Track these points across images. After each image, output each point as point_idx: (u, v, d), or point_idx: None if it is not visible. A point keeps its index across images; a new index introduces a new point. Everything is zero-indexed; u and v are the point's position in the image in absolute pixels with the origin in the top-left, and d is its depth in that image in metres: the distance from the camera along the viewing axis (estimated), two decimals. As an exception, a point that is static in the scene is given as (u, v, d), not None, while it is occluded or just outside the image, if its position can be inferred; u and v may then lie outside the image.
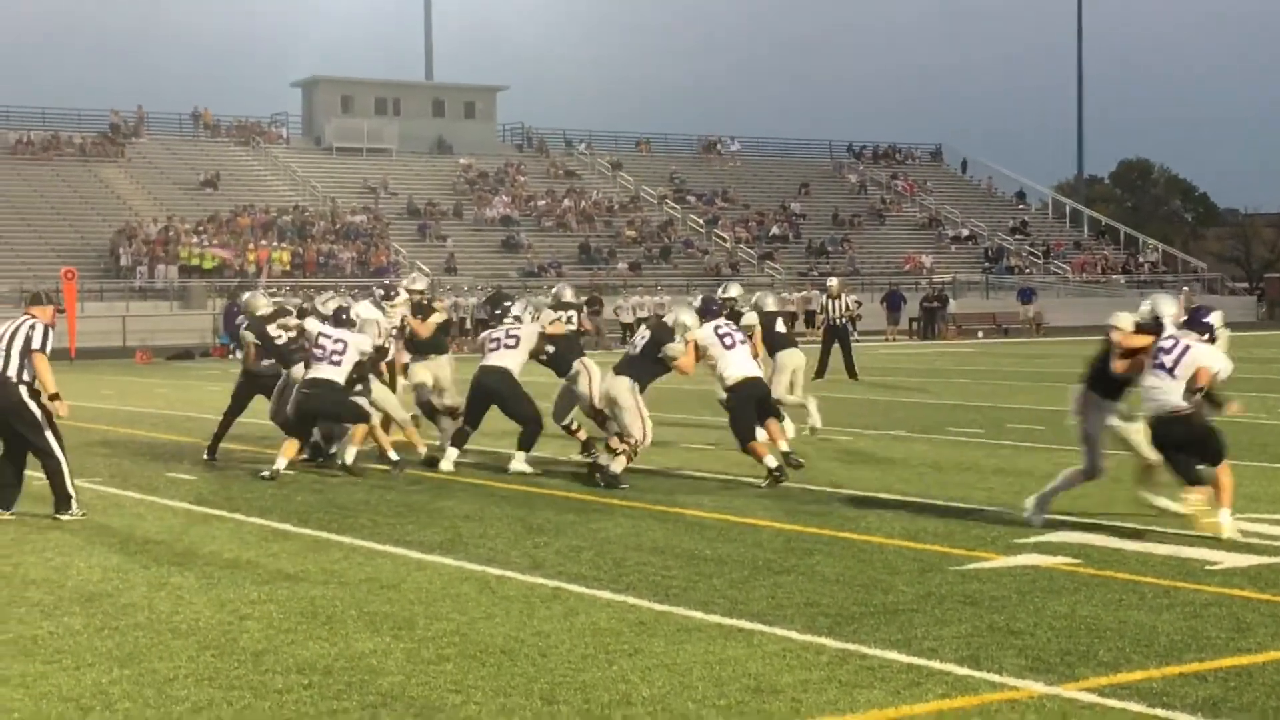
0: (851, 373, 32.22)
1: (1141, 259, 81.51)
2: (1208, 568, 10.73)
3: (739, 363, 15.79)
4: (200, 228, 62.10)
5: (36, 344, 13.28)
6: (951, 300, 63.30)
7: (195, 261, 59.36)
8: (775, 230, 75.84)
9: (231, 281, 57.73)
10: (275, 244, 62.32)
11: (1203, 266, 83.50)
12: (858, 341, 34.24)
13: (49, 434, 13.34)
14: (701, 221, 74.89)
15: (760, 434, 15.65)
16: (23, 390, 13.24)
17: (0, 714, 7.42)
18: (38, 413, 13.29)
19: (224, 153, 73.51)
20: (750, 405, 15.61)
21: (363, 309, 17.83)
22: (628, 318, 59.39)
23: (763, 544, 12.00)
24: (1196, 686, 7.60)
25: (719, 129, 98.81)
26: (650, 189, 77.95)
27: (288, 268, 61.03)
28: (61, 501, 13.45)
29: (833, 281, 34.81)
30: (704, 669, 8.14)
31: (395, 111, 79.11)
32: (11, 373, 13.23)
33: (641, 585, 10.45)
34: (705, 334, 15.87)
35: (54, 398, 13.31)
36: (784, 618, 9.32)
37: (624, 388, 15.69)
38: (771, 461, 15.32)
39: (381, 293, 21.44)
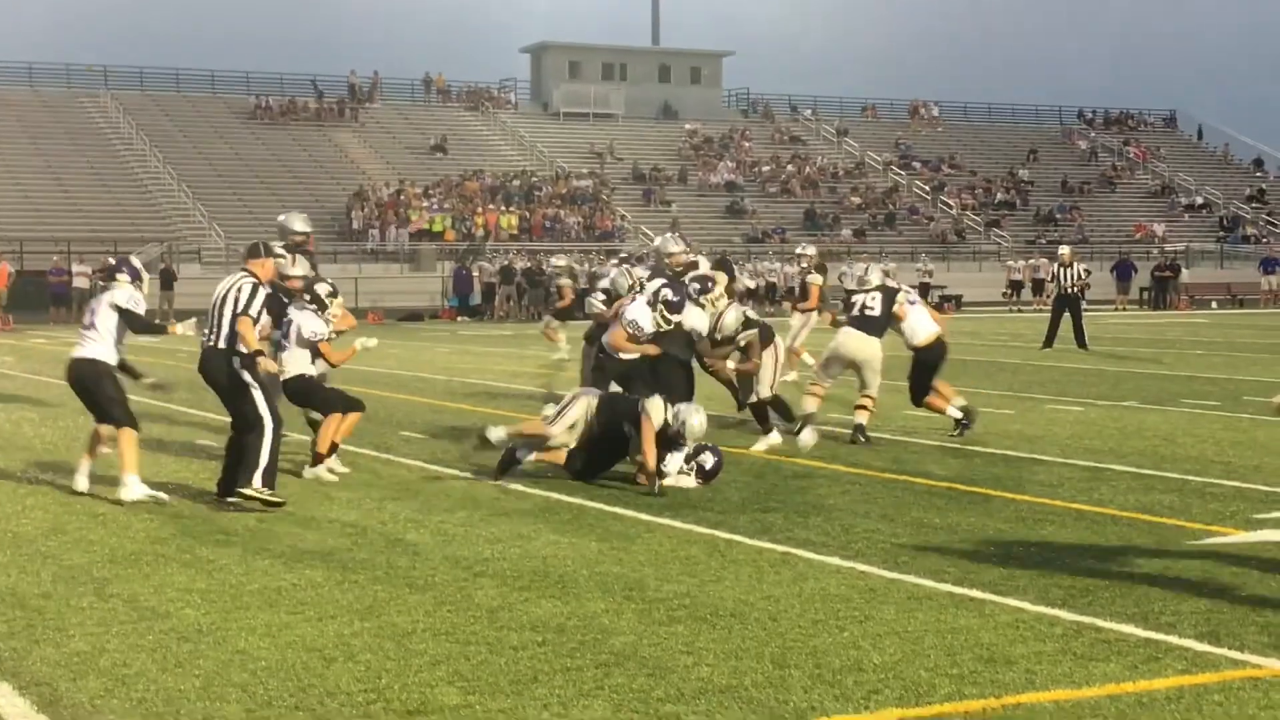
0: (1081, 342, 31.68)
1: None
2: None
3: (925, 323, 16.65)
4: (430, 191, 63.14)
5: (242, 307, 12.32)
6: (1184, 270, 61.88)
7: (426, 225, 60.38)
8: (1002, 197, 74.78)
9: (460, 245, 58.65)
10: (503, 208, 63.10)
11: None
12: (1088, 311, 33.59)
13: (261, 403, 12.36)
14: (927, 188, 74.14)
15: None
16: (234, 360, 12.32)
17: (248, 661, 7.66)
18: (249, 378, 12.33)
19: (454, 118, 74.63)
20: (928, 366, 16.65)
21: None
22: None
23: (992, 513, 11.88)
24: None
25: (944, 95, 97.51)
26: (875, 155, 77.36)
27: (515, 231, 61.78)
28: (246, 474, 12.23)
29: (1064, 249, 34.09)
30: (935, 637, 8.09)
31: (622, 77, 79.55)
32: (221, 342, 12.38)
33: (870, 552, 10.41)
34: (902, 296, 16.90)
35: (257, 354, 12.34)
36: (1016, 588, 9.21)
37: (878, 348, 16.38)
38: (954, 411, 16.40)
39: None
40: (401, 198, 61.73)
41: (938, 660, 7.65)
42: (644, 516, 11.78)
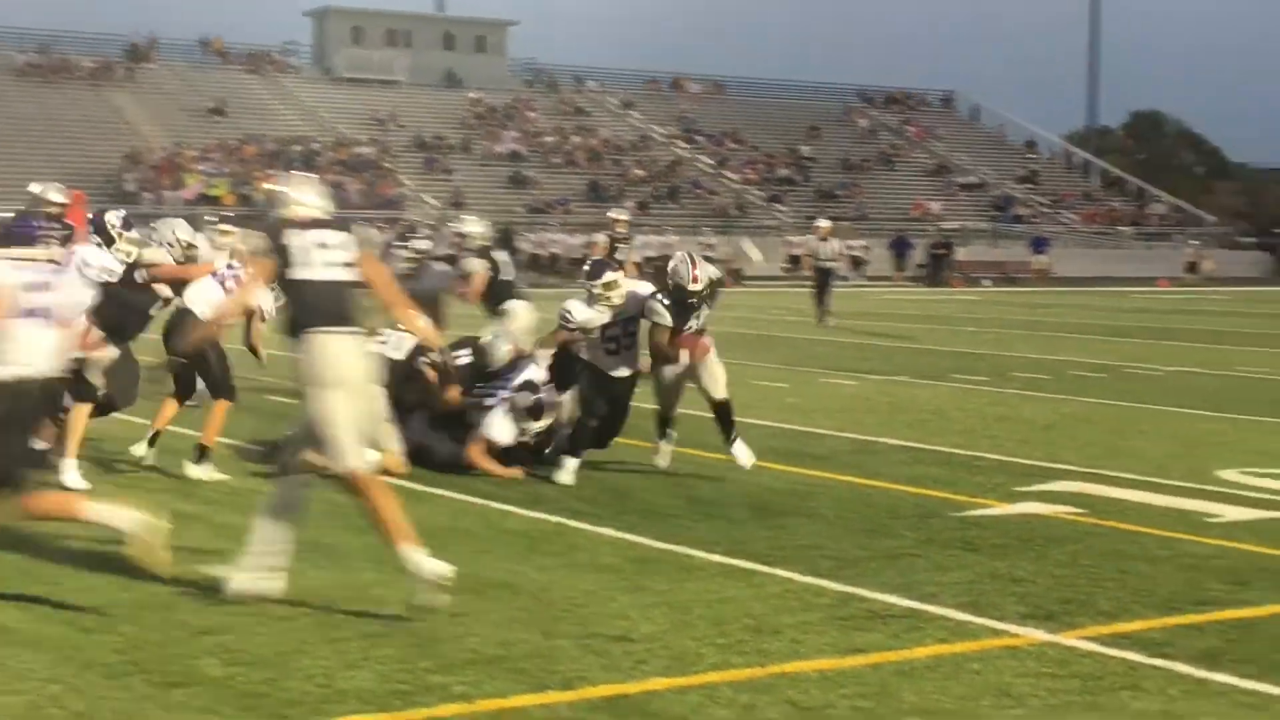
0: (823, 316, 32.33)
1: (1150, 211, 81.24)
2: (1209, 520, 10.73)
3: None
4: (208, 154, 61.98)
5: None
6: (958, 248, 63.18)
7: (204, 190, 59.27)
8: (784, 173, 75.62)
9: (240, 210, 57.68)
10: (280, 174, 62.10)
11: (1212, 221, 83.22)
12: (859, 287, 34.25)
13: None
14: (710, 162, 74.69)
15: None
16: None
17: (3, 634, 7.44)
18: None
19: (233, 80, 73.19)
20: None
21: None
22: (635, 257, 59.32)
23: (765, 485, 12.00)
24: (1196, 638, 7.60)
25: (729, 70, 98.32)
26: (659, 128, 77.68)
27: (295, 198, 60.84)
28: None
29: (822, 223, 34.41)
30: (704, 608, 8.14)
31: (406, 43, 78.71)
32: None
33: (643, 524, 10.46)
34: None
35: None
36: (785, 559, 9.32)
37: None
38: None
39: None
40: (177, 160, 60.50)
41: (705, 630, 7.70)
42: (417, 487, 11.68)
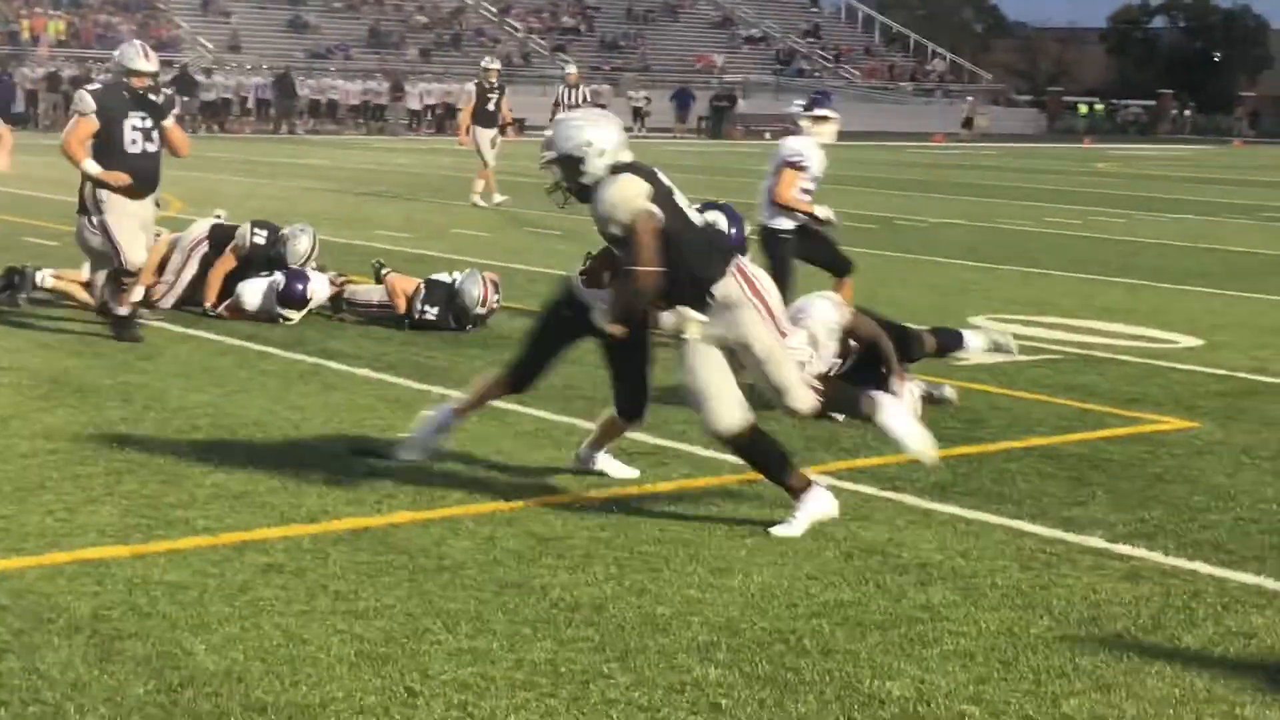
0: None
1: (930, 68, 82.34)
2: (954, 363, 11.03)
3: None
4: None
5: None
6: (741, 101, 63.52)
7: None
8: (568, 22, 75.12)
9: (3, 50, 55.75)
10: (50, 12, 60.17)
11: (989, 78, 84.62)
12: (641, 139, 34.00)
13: None
14: (494, 10, 73.87)
15: None
16: None
17: None
18: None
19: (-2, -87, 70.39)
20: None
21: None
22: (415, 105, 58.77)
23: (519, 328, 12.06)
24: (927, 472, 7.87)
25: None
26: (443, -27, 76.51)
27: (64, 38, 59.06)
28: None
29: (571, 69, 31.92)
30: (454, 444, 8.22)
31: (182, -122, 76.25)
32: None
33: (403, 365, 10.51)
34: None
35: None
36: (540, 399, 9.40)
37: None
38: None
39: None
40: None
41: (454, 467, 7.80)
42: (174, 328, 11.59)
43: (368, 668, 5.08)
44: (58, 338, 11.09)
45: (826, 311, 9.60)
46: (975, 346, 10.13)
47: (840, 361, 9.39)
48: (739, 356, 6.76)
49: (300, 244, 12.43)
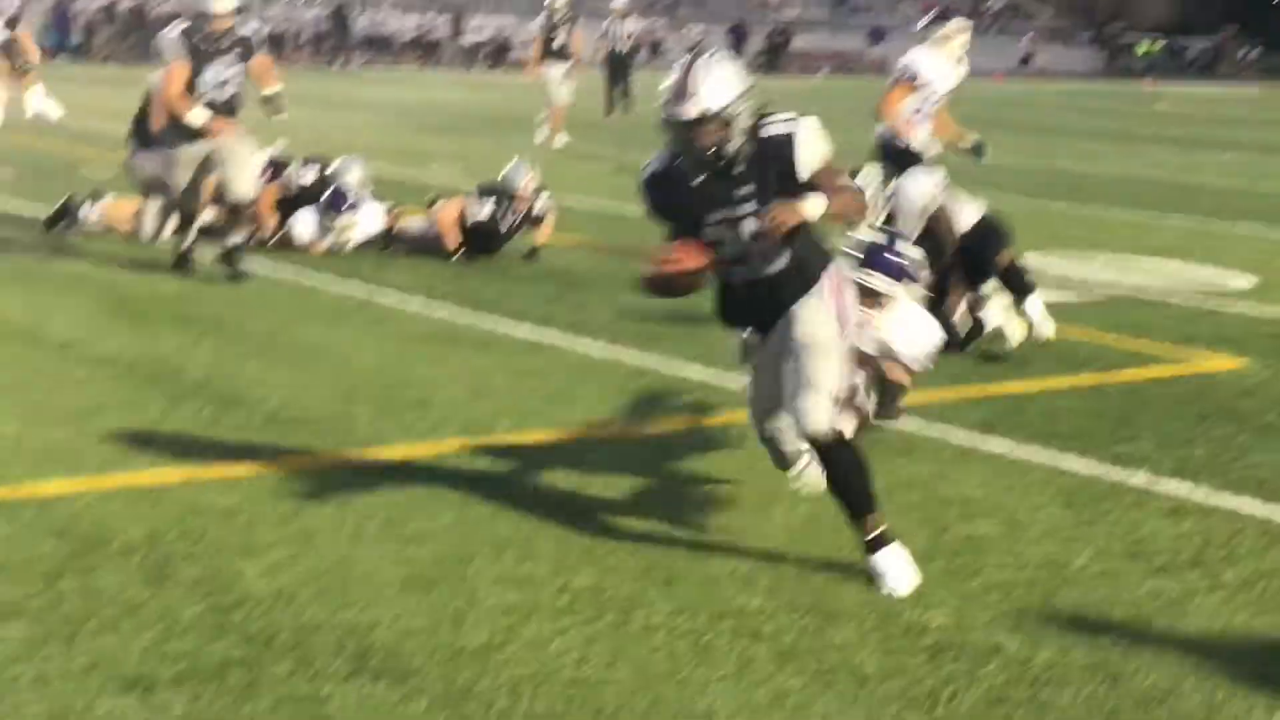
0: (612, 107, 28.93)
1: (988, 5, 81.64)
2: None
3: None
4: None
5: None
6: (796, 37, 63.18)
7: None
8: (625, -44, 74.74)
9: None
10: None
11: (1048, 15, 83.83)
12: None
13: None
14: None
15: None
16: None
17: None
18: None
19: None
20: None
21: None
22: (471, 40, 58.73)
23: (574, 263, 12.15)
24: (973, 410, 7.92)
25: None
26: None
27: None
28: None
29: (617, 3, 29.40)
30: (505, 377, 8.32)
31: None
32: None
33: (453, 297, 10.58)
34: None
35: None
36: (590, 330, 9.50)
37: None
38: None
39: None
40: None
41: (504, 399, 7.88)
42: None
43: (416, 591, 5.17)
44: (112, 269, 11.22)
45: (922, 184, 9.42)
46: (992, 317, 9.69)
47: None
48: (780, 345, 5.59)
49: (351, 175, 12.52)
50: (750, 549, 5.70)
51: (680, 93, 5.44)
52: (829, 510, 5.70)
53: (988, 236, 9.48)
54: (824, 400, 5.44)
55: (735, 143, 5.49)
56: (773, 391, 5.62)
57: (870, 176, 9.50)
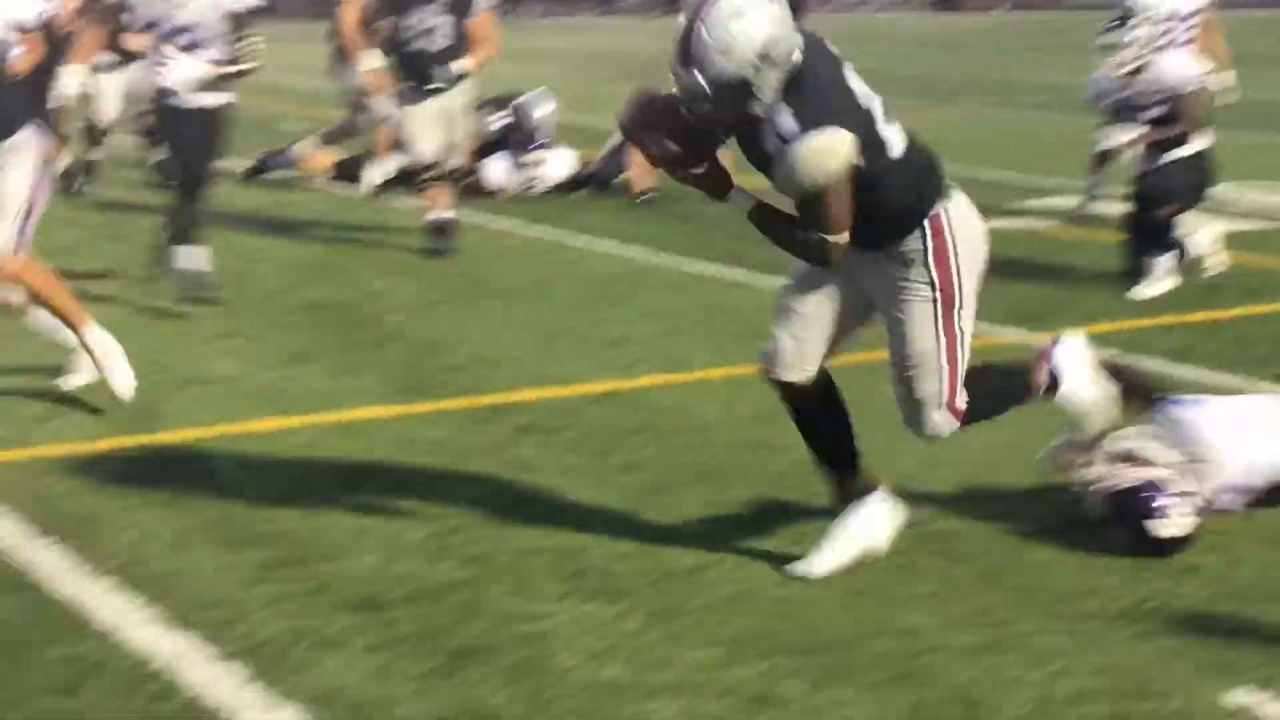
0: None
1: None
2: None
3: None
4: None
5: None
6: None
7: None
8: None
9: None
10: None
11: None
12: (877, 11, 33.32)
13: None
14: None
15: None
16: None
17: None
18: None
19: None
20: None
21: None
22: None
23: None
24: (1166, 337, 7.93)
25: None
26: None
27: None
28: None
29: None
30: (700, 314, 8.48)
31: None
32: None
33: (642, 237, 10.75)
34: None
35: None
36: (779, 270, 9.59)
37: None
38: None
39: None
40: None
41: (696, 336, 8.04)
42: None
43: (622, 518, 5.36)
44: (311, 218, 11.57)
45: (1186, 65, 9.42)
46: (1196, 244, 9.48)
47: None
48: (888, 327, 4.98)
49: (540, 109, 12.79)
50: (945, 477, 5.80)
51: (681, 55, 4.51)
52: (1023, 435, 5.77)
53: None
54: (936, 411, 4.94)
55: (743, 116, 4.63)
56: (814, 334, 5.20)
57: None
